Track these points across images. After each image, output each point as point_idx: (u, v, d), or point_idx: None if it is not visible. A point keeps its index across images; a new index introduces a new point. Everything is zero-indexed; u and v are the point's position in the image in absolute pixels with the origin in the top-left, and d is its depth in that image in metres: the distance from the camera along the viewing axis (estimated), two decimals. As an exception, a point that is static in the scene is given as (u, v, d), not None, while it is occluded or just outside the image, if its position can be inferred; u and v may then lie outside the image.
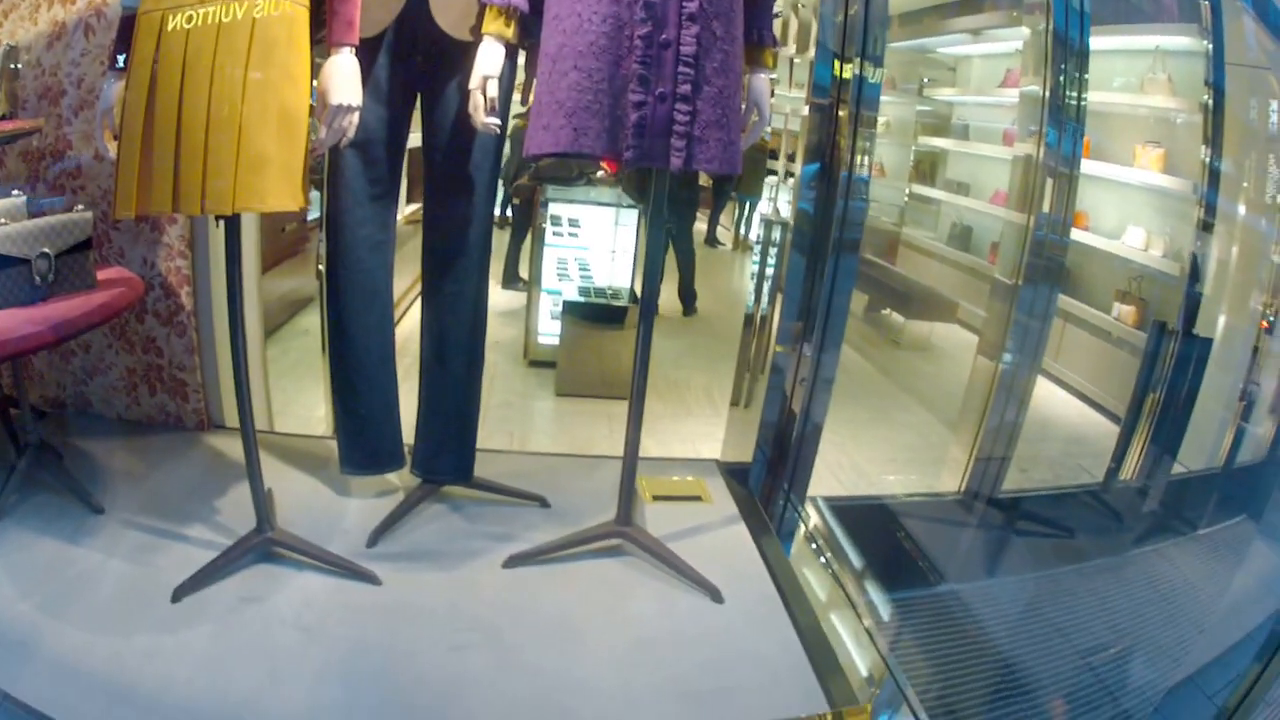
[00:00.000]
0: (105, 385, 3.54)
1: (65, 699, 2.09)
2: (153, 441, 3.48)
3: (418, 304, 3.14)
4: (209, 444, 3.53)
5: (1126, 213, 5.13)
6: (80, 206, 2.84)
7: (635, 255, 5.82)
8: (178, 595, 2.54)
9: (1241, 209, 4.32)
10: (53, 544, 2.72)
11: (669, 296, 7.61)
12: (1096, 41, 4.01)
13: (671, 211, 7.16)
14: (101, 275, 2.97)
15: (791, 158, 3.42)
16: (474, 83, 2.53)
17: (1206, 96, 4.24)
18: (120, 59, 2.36)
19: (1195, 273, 4.29)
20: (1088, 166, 4.84)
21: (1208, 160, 4.23)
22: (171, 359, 3.48)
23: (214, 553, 2.69)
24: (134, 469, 3.26)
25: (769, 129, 3.84)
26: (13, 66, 3.13)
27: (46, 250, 2.65)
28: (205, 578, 2.61)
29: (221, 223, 2.44)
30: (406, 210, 6.36)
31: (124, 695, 2.16)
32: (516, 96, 2.95)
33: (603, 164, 6.52)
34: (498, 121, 2.61)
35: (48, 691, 2.10)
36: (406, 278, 5.21)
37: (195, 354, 3.48)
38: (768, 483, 3.76)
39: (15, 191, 2.78)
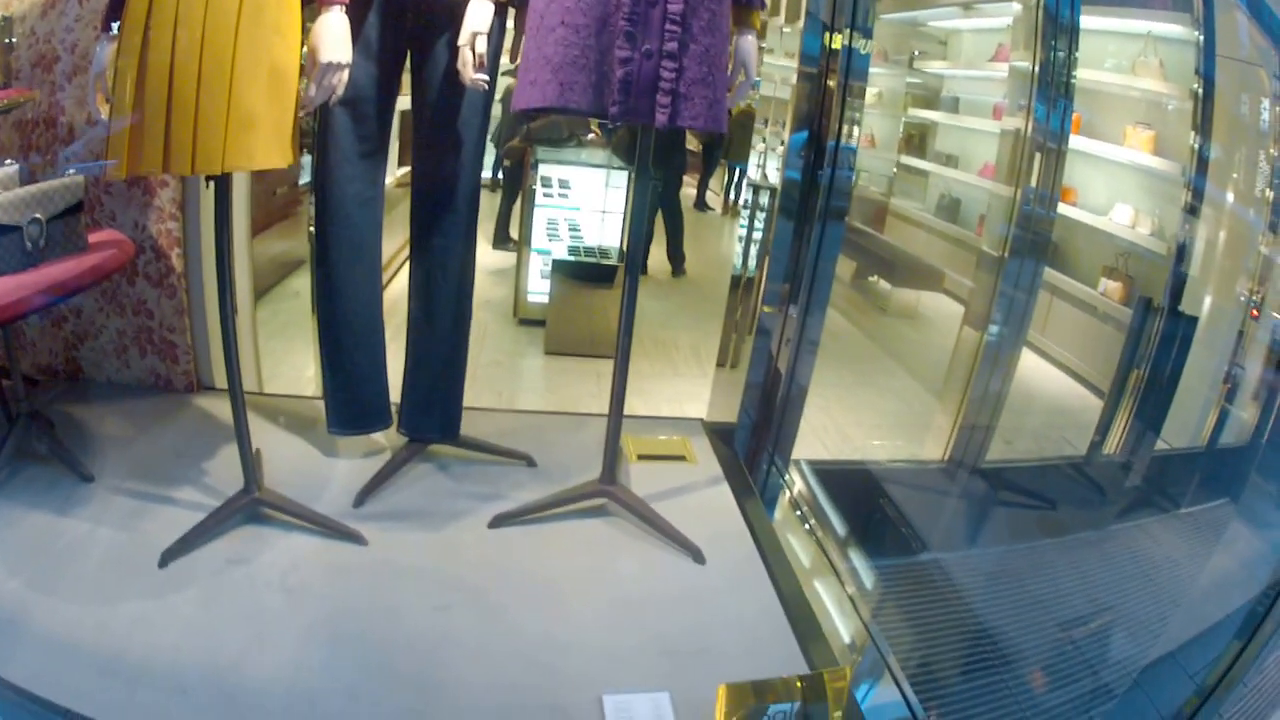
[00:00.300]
0: (96, 349, 3.54)
1: (53, 675, 2.09)
2: (142, 405, 3.48)
3: (407, 267, 3.15)
4: (198, 406, 3.54)
5: (1115, 190, 5.13)
6: (72, 170, 2.85)
7: (625, 216, 5.84)
8: (165, 560, 2.56)
9: (1230, 196, 4.34)
10: (43, 517, 2.72)
11: (660, 258, 7.71)
12: (1088, 21, 4.02)
13: (659, 174, 7.31)
14: (93, 238, 2.97)
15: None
16: (463, 39, 2.54)
17: (1197, 85, 4.25)
18: (114, 25, 2.36)
19: (1182, 253, 4.31)
20: (1078, 143, 4.85)
21: (1197, 146, 4.24)
22: (162, 321, 3.49)
23: (202, 515, 2.70)
24: (123, 433, 3.27)
25: (757, 94, 3.86)
26: (6, 41, 3.13)
27: (38, 216, 2.66)
28: (193, 541, 2.63)
29: (211, 184, 2.45)
30: (398, 173, 6.36)
31: (111, 667, 2.17)
32: (505, 58, 2.96)
33: (593, 127, 6.58)
34: (486, 77, 2.62)
35: (36, 669, 2.10)
36: (396, 241, 5.22)
37: (185, 315, 3.49)
38: (752, 444, 3.80)
39: (9, 161, 2.79)
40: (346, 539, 2.77)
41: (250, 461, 2.76)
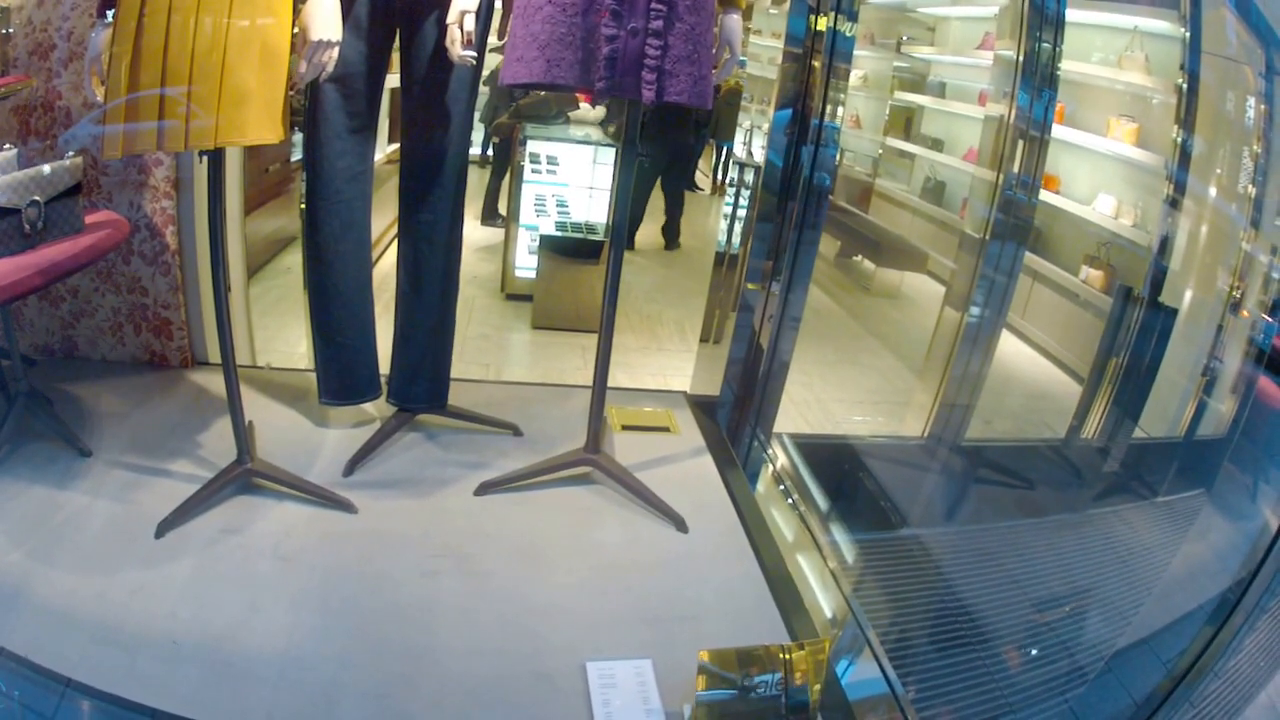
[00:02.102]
0: (92, 328, 3.57)
1: (54, 645, 2.13)
2: (138, 381, 3.51)
3: (396, 242, 3.19)
4: (192, 381, 3.57)
5: (1098, 181, 5.16)
6: (70, 153, 2.89)
7: (612, 192, 5.89)
8: (161, 531, 2.60)
9: (1212, 191, 4.37)
10: (42, 490, 2.75)
11: (648, 235, 7.89)
12: (1075, 14, 4.06)
13: (668, 156, 7.68)
14: (90, 219, 3.00)
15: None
16: (452, 17, 2.59)
17: (1181, 81, 4.29)
18: (108, 13, 2.40)
19: (1163, 245, 4.35)
20: (1063, 133, 4.90)
21: (1180, 141, 4.28)
22: (156, 298, 3.52)
23: (197, 486, 2.74)
24: (120, 409, 3.30)
25: (744, 73, 3.90)
26: (4, 30, 3.16)
27: (36, 198, 2.69)
28: (187, 511, 2.67)
29: (205, 159, 2.49)
30: (388, 149, 6.38)
31: (109, 636, 2.20)
32: (494, 36, 3.00)
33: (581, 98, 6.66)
34: (474, 54, 2.67)
35: (37, 639, 2.14)
36: (386, 216, 5.26)
37: (179, 292, 3.52)
38: (734, 417, 3.85)
39: (7, 146, 2.83)
40: (337, 507, 2.82)
41: (243, 433, 2.80)
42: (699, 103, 2.56)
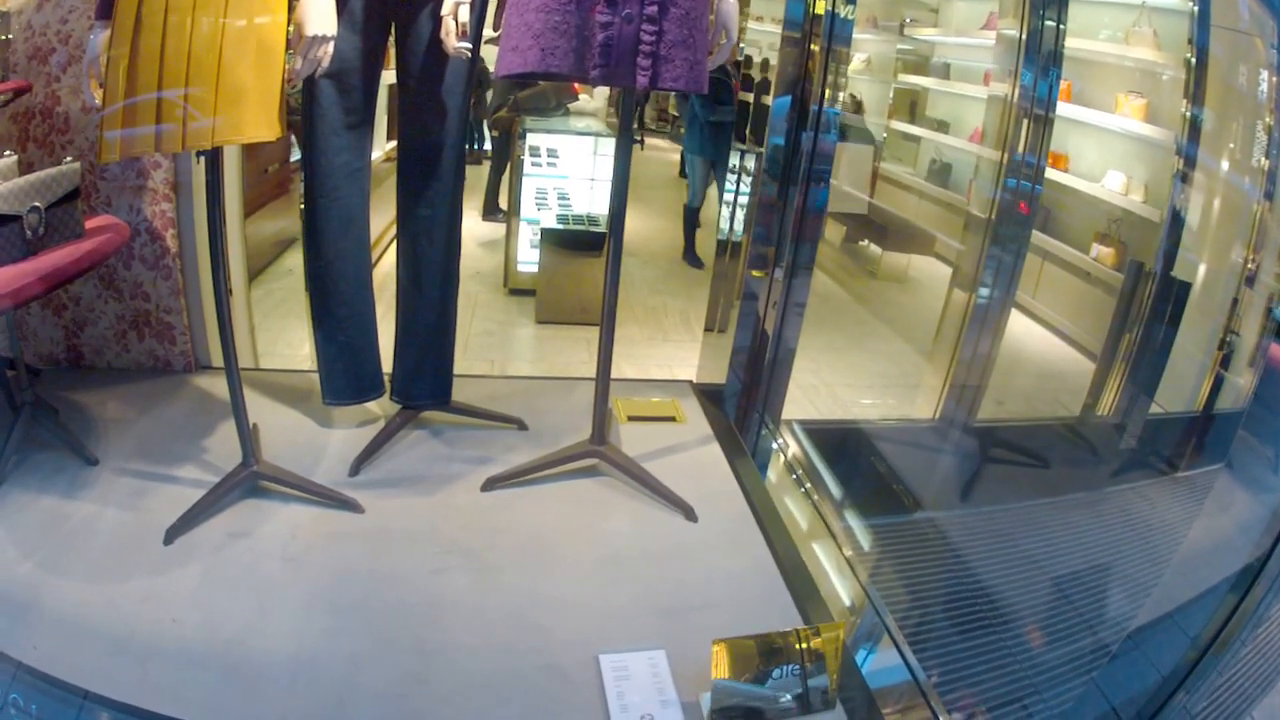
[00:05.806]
0: (95, 335, 3.57)
1: (68, 657, 2.13)
2: (142, 387, 3.51)
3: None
4: (196, 385, 3.57)
5: (1107, 158, 5.14)
6: (69, 158, 2.88)
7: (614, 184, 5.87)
8: (169, 537, 2.60)
9: (1224, 165, 4.34)
10: (50, 501, 2.74)
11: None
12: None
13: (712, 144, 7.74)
14: (90, 224, 2.99)
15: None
16: (446, 9, 2.59)
17: (1189, 55, 4.26)
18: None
19: (1174, 220, 4.32)
20: (1070, 110, 4.87)
21: (1190, 115, 4.24)
22: (158, 303, 3.52)
23: (203, 491, 2.74)
24: (125, 416, 3.29)
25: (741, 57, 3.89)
26: (4, 37, 3.16)
27: (37, 204, 2.68)
28: (195, 517, 2.66)
29: (203, 159, 2.48)
30: (386, 147, 6.37)
31: (120, 644, 2.20)
32: (489, 29, 2.98)
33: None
34: (469, 46, 2.66)
35: (51, 651, 2.13)
36: (386, 216, 5.25)
37: (181, 296, 3.52)
38: (741, 405, 3.83)
39: (8, 153, 2.82)
40: (344, 507, 2.81)
41: (248, 437, 2.80)
42: (695, 88, 2.55)
